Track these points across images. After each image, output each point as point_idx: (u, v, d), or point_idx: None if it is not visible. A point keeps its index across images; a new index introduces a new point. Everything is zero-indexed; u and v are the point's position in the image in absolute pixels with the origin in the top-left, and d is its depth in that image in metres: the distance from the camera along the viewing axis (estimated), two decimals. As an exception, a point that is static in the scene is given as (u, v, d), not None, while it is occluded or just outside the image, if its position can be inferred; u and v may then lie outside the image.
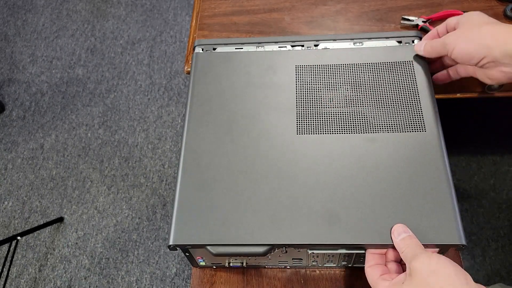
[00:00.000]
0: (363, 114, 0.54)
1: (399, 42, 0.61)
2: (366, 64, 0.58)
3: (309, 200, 0.49)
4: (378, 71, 0.57)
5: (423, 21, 0.72)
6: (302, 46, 0.62)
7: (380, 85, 0.56)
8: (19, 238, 1.28)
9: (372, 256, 0.48)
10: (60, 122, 1.61)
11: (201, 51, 0.63)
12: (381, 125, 0.53)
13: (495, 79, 0.51)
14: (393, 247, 0.45)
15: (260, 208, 0.49)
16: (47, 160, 1.54)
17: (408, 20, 0.72)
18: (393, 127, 0.53)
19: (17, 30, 1.86)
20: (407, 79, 0.56)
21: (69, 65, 1.74)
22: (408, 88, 0.56)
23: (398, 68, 0.57)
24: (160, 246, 1.36)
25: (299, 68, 0.59)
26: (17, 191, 1.48)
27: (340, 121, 0.54)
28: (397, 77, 0.57)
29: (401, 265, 0.48)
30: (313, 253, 0.51)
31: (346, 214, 0.47)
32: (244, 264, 0.57)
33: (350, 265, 0.57)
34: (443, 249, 0.48)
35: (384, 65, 0.58)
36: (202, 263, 0.58)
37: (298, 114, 0.55)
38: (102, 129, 1.58)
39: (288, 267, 0.59)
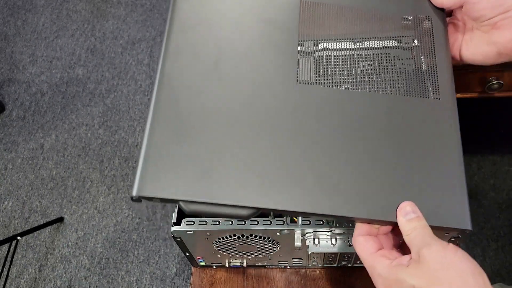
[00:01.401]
0: (373, 67, 0.48)
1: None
2: (379, 13, 0.52)
3: (305, 162, 0.42)
4: (393, 17, 0.51)
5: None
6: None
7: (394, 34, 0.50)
8: (19, 238, 1.28)
9: (362, 224, 0.42)
10: (60, 122, 1.61)
11: None
12: (392, 82, 0.47)
13: (502, 41, 0.43)
14: (394, 224, 0.40)
15: (248, 164, 0.41)
16: (47, 160, 1.54)
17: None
18: (405, 88, 0.47)
19: (17, 30, 1.86)
20: (424, 33, 0.50)
21: (69, 65, 1.74)
22: (424, 43, 0.49)
23: (415, 19, 0.51)
24: (160, 246, 1.36)
25: (304, 4, 0.50)
26: (17, 191, 1.49)
27: (346, 70, 0.47)
28: (415, 29, 0.51)
29: (392, 238, 0.43)
30: (313, 253, 0.51)
31: (345, 182, 0.41)
32: (244, 264, 0.57)
33: (350, 265, 0.57)
34: (446, 232, 0.45)
35: (399, 16, 0.52)
36: (202, 263, 0.58)
37: (300, 58, 0.47)
38: (102, 129, 1.58)
39: (288, 267, 0.59)
